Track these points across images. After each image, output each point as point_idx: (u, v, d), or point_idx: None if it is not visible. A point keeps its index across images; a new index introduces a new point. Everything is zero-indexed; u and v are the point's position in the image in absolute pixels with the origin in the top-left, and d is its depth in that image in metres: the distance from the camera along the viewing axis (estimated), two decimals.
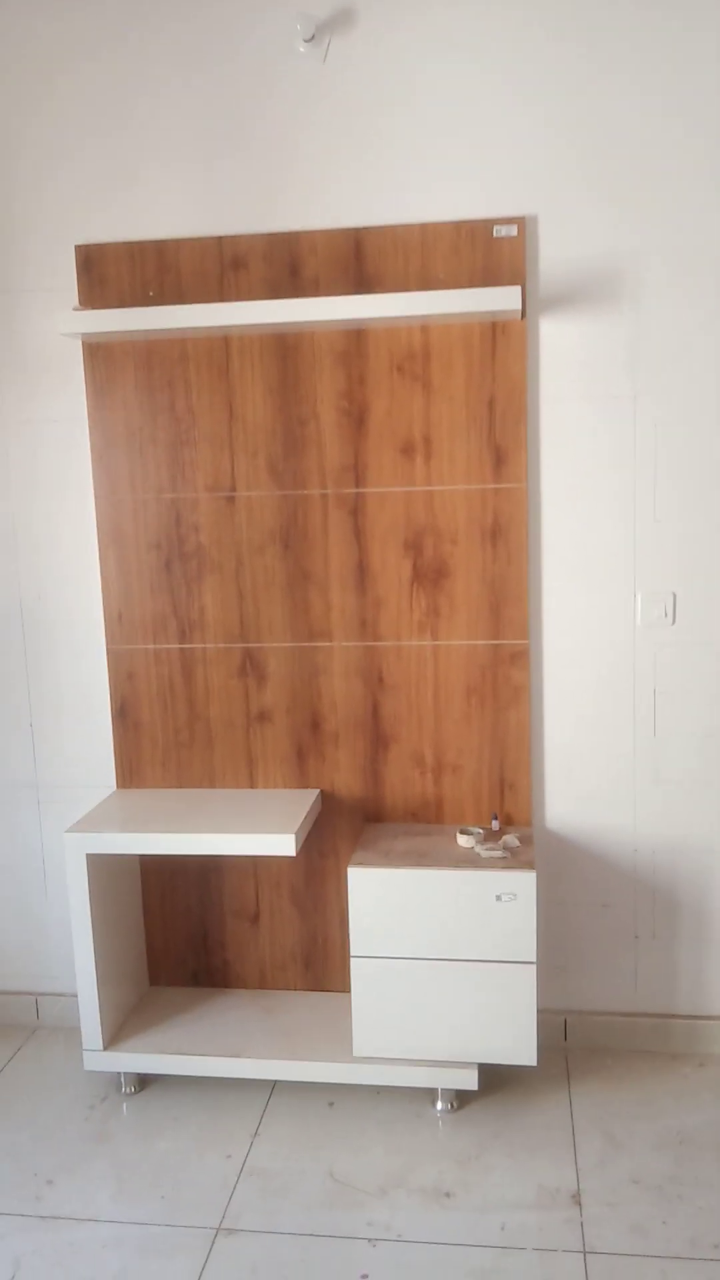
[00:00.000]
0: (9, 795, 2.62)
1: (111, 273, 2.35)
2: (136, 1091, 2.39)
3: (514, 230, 2.21)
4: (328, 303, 2.12)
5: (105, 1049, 2.34)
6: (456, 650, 2.37)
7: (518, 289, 2.05)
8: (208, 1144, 2.20)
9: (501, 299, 2.06)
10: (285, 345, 2.31)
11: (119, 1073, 2.37)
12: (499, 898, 2.14)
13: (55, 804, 2.61)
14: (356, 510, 2.35)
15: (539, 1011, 2.50)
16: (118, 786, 2.55)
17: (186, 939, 2.59)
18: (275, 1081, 2.37)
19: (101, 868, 2.34)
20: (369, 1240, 1.91)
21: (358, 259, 2.27)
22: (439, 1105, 2.28)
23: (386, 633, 2.38)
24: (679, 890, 2.42)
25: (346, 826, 2.48)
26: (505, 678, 2.36)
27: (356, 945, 2.21)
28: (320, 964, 2.56)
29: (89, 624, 2.51)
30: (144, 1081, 2.41)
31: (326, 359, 2.31)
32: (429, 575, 2.35)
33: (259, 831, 2.19)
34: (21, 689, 2.56)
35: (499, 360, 2.25)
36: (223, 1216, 1.98)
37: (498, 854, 2.21)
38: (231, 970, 2.59)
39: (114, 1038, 2.38)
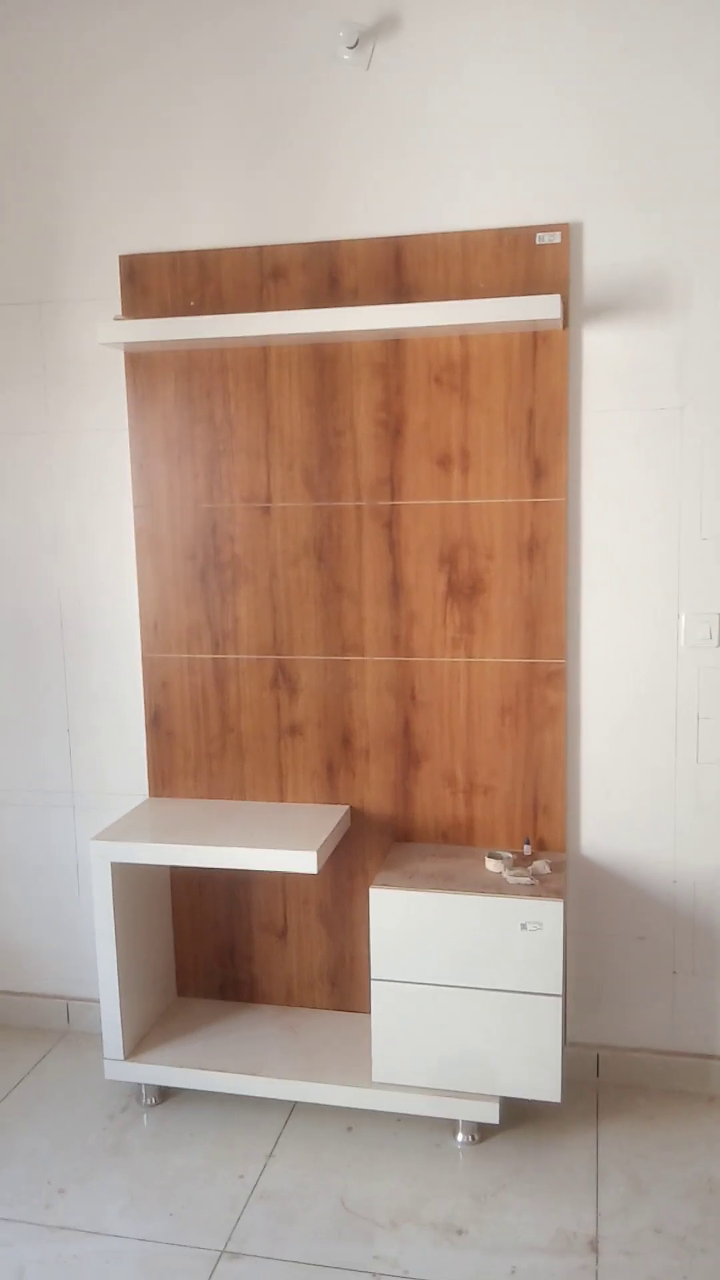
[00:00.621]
0: (46, 800, 2.64)
1: (154, 283, 2.36)
2: (157, 1103, 2.38)
3: (557, 237, 2.15)
4: (366, 312, 2.08)
5: (126, 1059, 2.33)
6: (491, 668, 2.30)
7: (557, 298, 1.99)
8: (222, 1162, 2.17)
9: (541, 308, 2.00)
10: (323, 356, 2.29)
11: (140, 1083, 2.36)
12: (524, 926, 2.07)
13: (90, 810, 2.62)
14: (391, 523, 2.31)
15: (570, 1045, 2.41)
16: (150, 795, 2.55)
17: (215, 951, 2.58)
18: (295, 1101, 2.32)
19: (130, 876, 2.34)
20: (374, 1275, 1.86)
21: (397, 268, 2.23)
22: (459, 1137, 2.21)
23: (419, 648, 2.33)
24: None
25: (375, 845, 2.43)
26: (540, 697, 2.29)
27: (377, 968, 2.16)
28: (346, 983, 2.51)
29: (125, 632, 2.52)
30: (165, 1093, 2.40)
31: (364, 370, 2.27)
32: (464, 590, 2.29)
33: (282, 847, 2.16)
34: (60, 694, 2.59)
35: (540, 370, 2.19)
36: (228, 1239, 1.95)
37: (525, 880, 2.14)
38: (258, 985, 2.57)
39: (136, 1047, 2.38)
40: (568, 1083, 2.40)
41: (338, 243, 2.25)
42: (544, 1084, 2.12)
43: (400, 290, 2.24)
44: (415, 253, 2.22)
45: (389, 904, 2.13)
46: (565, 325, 2.16)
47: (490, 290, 2.18)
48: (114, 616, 2.52)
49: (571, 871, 2.36)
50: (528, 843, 2.30)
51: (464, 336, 2.21)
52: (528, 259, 2.17)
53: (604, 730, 2.30)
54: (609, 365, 2.19)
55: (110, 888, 2.26)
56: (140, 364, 2.39)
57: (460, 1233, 1.96)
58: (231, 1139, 2.25)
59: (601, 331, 2.18)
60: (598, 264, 2.16)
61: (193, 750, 2.50)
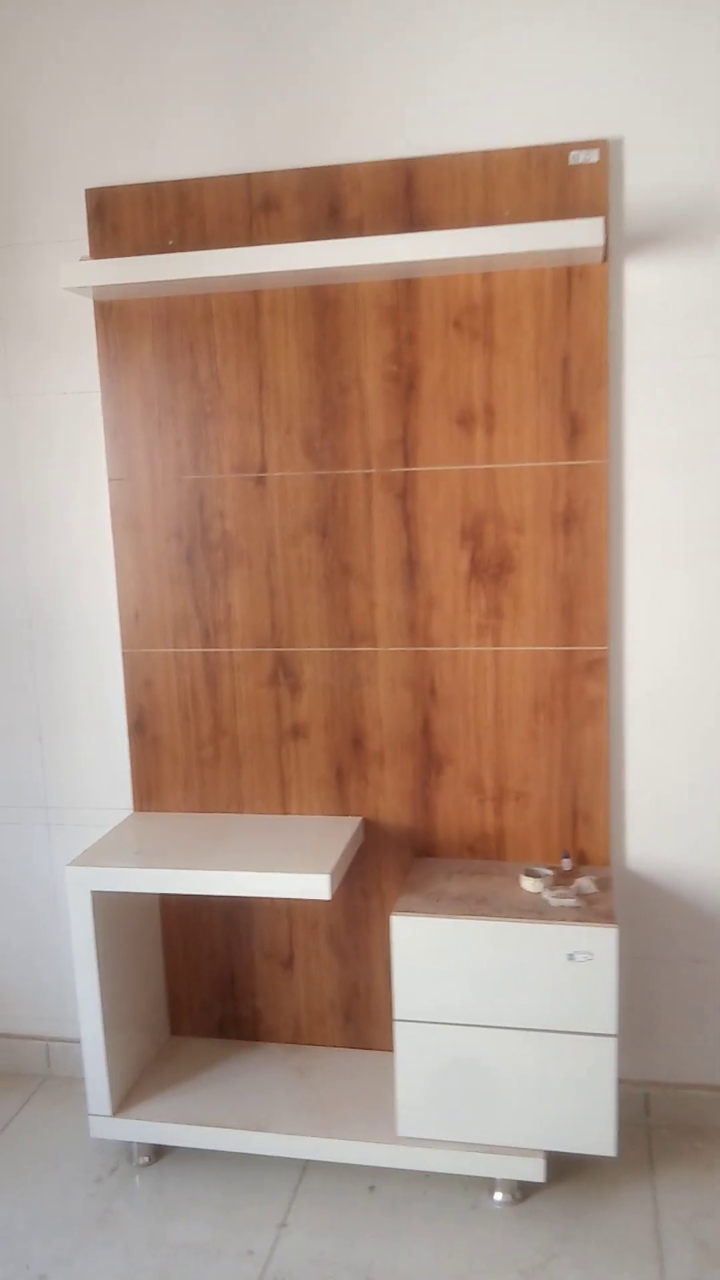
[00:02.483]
0: (17, 816, 2.33)
1: (126, 220, 2.04)
2: (151, 1162, 2.08)
3: (594, 156, 1.85)
4: (374, 243, 1.77)
5: (114, 1114, 2.03)
6: (522, 657, 2.01)
7: (600, 221, 1.69)
8: (228, 1233, 1.88)
9: (581, 233, 1.70)
10: (324, 300, 1.98)
11: (131, 1142, 2.07)
12: (572, 957, 1.78)
13: (67, 827, 2.31)
14: (405, 493, 2.01)
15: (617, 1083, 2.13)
16: (134, 809, 2.24)
17: (212, 984, 2.28)
18: (309, 1160, 2.03)
19: (113, 902, 2.04)
20: None
21: (408, 196, 1.92)
22: (498, 1196, 1.93)
23: (440, 637, 2.04)
24: None
25: (393, 861, 2.13)
26: (579, 690, 2.00)
27: (401, 1007, 1.87)
28: (362, 1018, 2.22)
29: (103, 624, 2.21)
30: (160, 1151, 2.11)
31: (371, 315, 1.97)
32: (490, 569, 2.00)
33: (289, 870, 1.86)
34: (30, 696, 2.28)
35: (575, 312, 1.89)
36: None
37: (570, 903, 1.85)
38: (262, 1021, 2.27)
39: (126, 1099, 2.08)
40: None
41: (338, 167, 1.94)
42: (597, 1136, 1.84)
43: (412, 221, 1.93)
44: (429, 177, 1.91)
45: (414, 933, 1.84)
46: (605, 258, 1.86)
47: (517, 218, 1.88)
48: (89, 606, 2.21)
49: (617, 888, 2.08)
50: (566, 856, 2.01)
51: (487, 273, 1.91)
52: (560, 182, 1.87)
53: (652, 727, 2.01)
54: (655, 305, 1.89)
55: (91, 919, 1.96)
56: (113, 315, 2.07)
57: None
58: (238, 1204, 1.96)
59: (647, 266, 1.88)
60: (641, 186, 1.86)
61: (182, 757, 2.20)
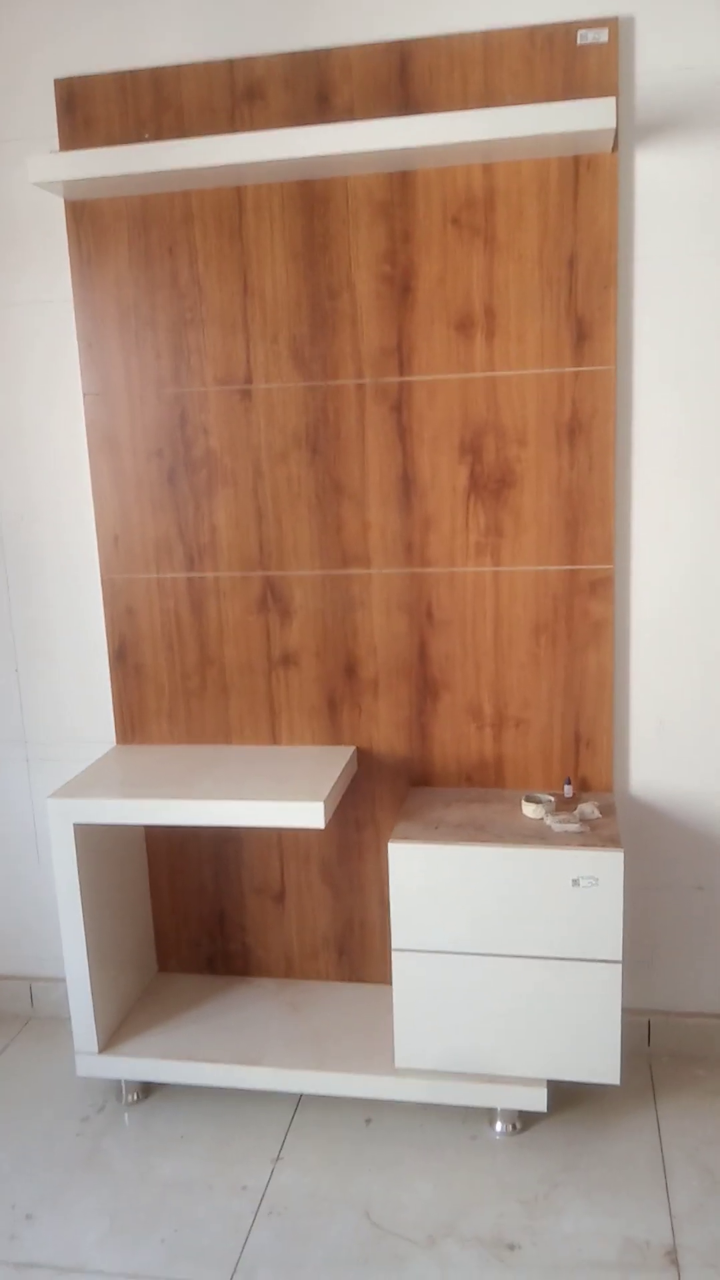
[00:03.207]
0: None
1: (99, 112, 1.90)
2: (139, 1100, 2.03)
3: (603, 36, 1.72)
4: (366, 128, 1.65)
5: (101, 1052, 1.97)
6: (523, 578, 1.92)
7: (611, 101, 1.57)
8: (220, 1170, 1.83)
9: (592, 115, 1.58)
10: (312, 196, 1.86)
11: (119, 1079, 2.01)
12: (576, 882, 1.72)
13: (47, 762, 2.22)
14: (400, 404, 1.90)
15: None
16: (117, 742, 2.15)
17: (200, 920, 2.21)
18: (303, 1093, 1.98)
19: (97, 837, 1.96)
20: None
21: (402, 81, 1.79)
22: (498, 1127, 1.89)
23: (437, 557, 1.95)
24: None
25: (388, 792, 2.06)
26: (583, 611, 1.92)
27: (399, 936, 1.80)
28: (357, 951, 2.16)
29: (81, 549, 2.11)
30: (149, 1088, 2.05)
31: (363, 211, 1.85)
32: (490, 485, 1.90)
33: (280, 799, 1.78)
34: (4, 626, 2.17)
35: (583, 206, 1.77)
36: (234, 1269, 1.61)
37: (573, 827, 1.79)
38: (253, 956, 2.21)
39: (112, 1037, 2.02)
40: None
41: (328, 51, 1.81)
42: (600, 1064, 1.79)
43: (407, 108, 1.80)
44: (425, 60, 1.78)
45: (412, 860, 1.77)
46: (614, 147, 1.74)
47: (521, 103, 1.75)
48: (66, 531, 2.10)
49: (620, 815, 2.01)
50: (569, 783, 1.94)
51: (488, 164, 1.79)
52: (566, 64, 1.74)
53: (658, 649, 1.94)
54: (669, 199, 1.78)
55: (74, 852, 1.87)
56: (85, 216, 1.94)
57: (511, 1248, 1.63)
58: (230, 1140, 1.91)
59: (659, 156, 1.76)
60: (654, 69, 1.74)
61: (167, 688, 2.10)
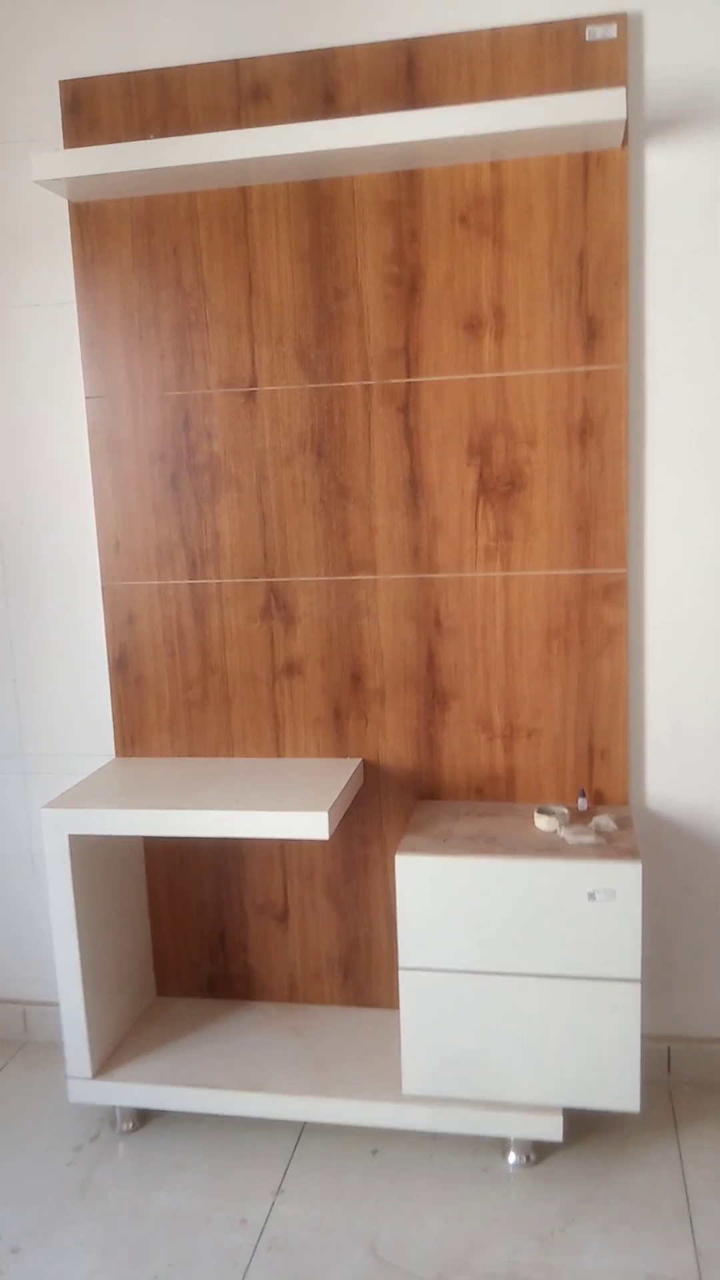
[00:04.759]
0: None
1: (104, 113, 1.89)
2: (135, 1128, 1.94)
3: (612, 31, 1.70)
4: (373, 122, 1.62)
5: (95, 1077, 1.88)
6: (534, 582, 1.87)
7: (621, 91, 1.54)
8: (218, 1203, 1.74)
9: (600, 105, 1.55)
10: (318, 195, 1.83)
11: (113, 1105, 1.92)
12: (592, 896, 1.65)
13: (45, 775, 2.16)
14: (407, 406, 1.86)
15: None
16: (117, 754, 2.09)
17: (201, 940, 2.13)
18: (306, 1121, 1.89)
19: (95, 852, 1.89)
20: None
21: (409, 79, 1.78)
22: (511, 1158, 1.79)
23: (445, 562, 1.89)
24: None
25: (395, 805, 1.99)
26: (597, 617, 1.86)
27: (406, 955, 1.72)
28: (363, 974, 2.08)
29: (81, 555, 2.06)
30: (145, 1116, 1.96)
31: (370, 211, 1.82)
32: (499, 487, 1.86)
33: (282, 809, 1.72)
34: (2, 635, 2.12)
35: (593, 203, 1.75)
36: None
37: (589, 840, 1.71)
38: (255, 979, 2.13)
39: (108, 1062, 1.93)
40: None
41: (334, 50, 1.79)
42: (619, 1090, 1.70)
43: (414, 107, 1.78)
44: (432, 59, 1.76)
45: (420, 874, 1.70)
46: (624, 142, 1.72)
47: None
48: (66, 536, 2.06)
49: (636, 828, 1.94)
50: (583, 795, 1.87)
51: (496, 162, 1.76)
52: (575, 61, 1.72)
53: (674, 657, 1.88)
54: (679, 195, 1.75)
55: (69, 866, 1.81)
56: (89, 217, 1.92)
57: None
58: (229, 1171, 1.82)
59: (670, 152, 1.74)
60: (663, 64, 1.72)
61: (168, 698, 2.05)
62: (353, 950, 2.07)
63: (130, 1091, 1.87)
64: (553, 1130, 1.73)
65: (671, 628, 1.87)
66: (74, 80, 1.89)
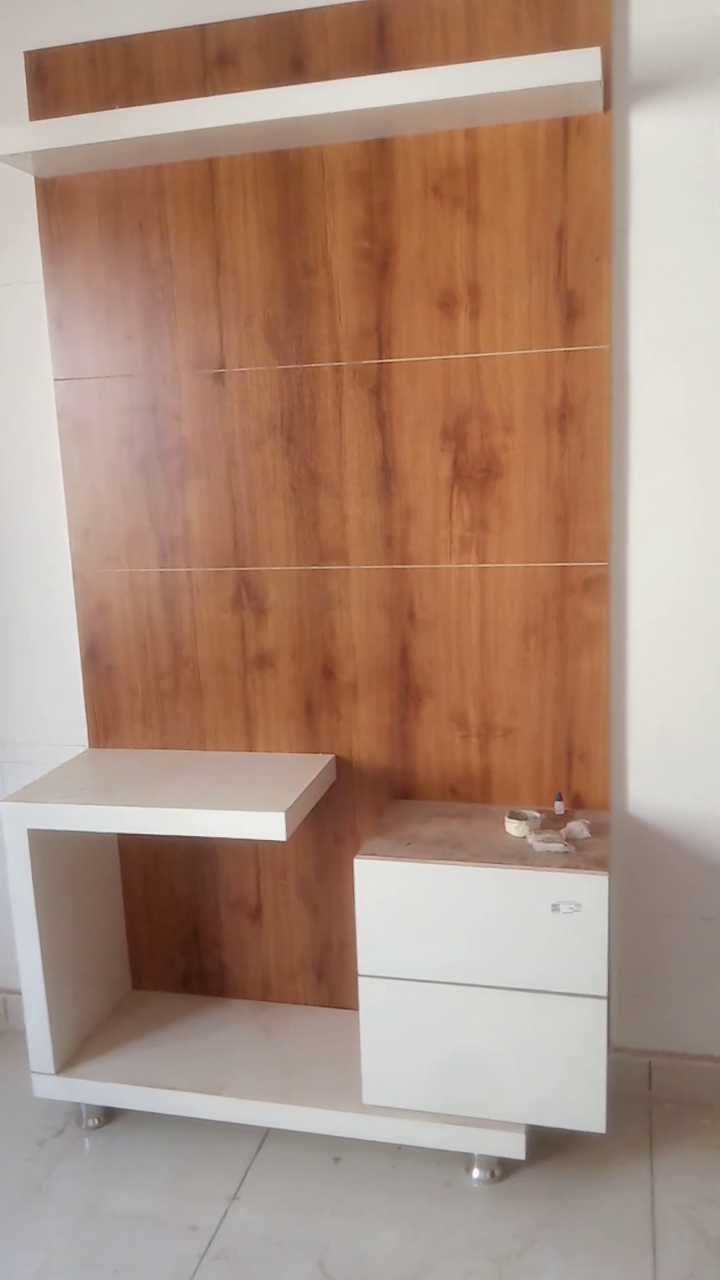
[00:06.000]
0: None
1: (69, 84, 1.82)
2: (100, 1125, 1.91)
3: None
4: (343, 86, 1.53)
5: (59, 1073, 1.86)
6: (510, 575, 1.78)
7: (596, 51, 1.43)
8: (173, 1206, 1.71)
9: (574, 66, 1.44)
10: (286, 167, 1.75)
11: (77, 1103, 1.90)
12: (556, 907, 1.57)
13: (19, 765, 2.13)
14: (380, 388, 1.78)
15: (615, 1051, 1.92)
16: (89, 746, 2.06)
17: (175, 936, 2.10)
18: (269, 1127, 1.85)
19: (63, 846, 1.86)
20: None
21: (381, 41, 1.68)
22: (475, 1173, 1.73)
23: (419, 553, 1.81)
24: None
25: (368, 804, 1.93)
26: (576, 611, 1.76)
27: (366, 961, 1.66)
28: (335, 974, 2.03)
29: (51, 542, 2.02)
30: (111, 1113, 1.94)
31: (340, 183, 1.73)
32: (475, 475, 1.77)
33: (242, 808, 1.66)
34: None
35: (573, 172, 1.64)
36: None
37: (556, 847, 1.63)
38: (229, 976, 2.09)
39: (74, 1056, 1.91)
40: (612, 1098, 1.91)
41: (302, 13, 1.70)
42: (584, 1110, 1.63)
43: (385, 71, 1.68)
44: (404, 18, 1.66)
45: (379, 878, 1.63)
46: (606, 107, 1.60)
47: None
48: (35, 523, 2.02)
49: (616, 835, 1.85)
50: (560, 798, 1.79)
51: (471, 129, 1.66)
52: (554, 19, 1.61)
53: (658, 654, 1.78)
54: (666, 163, 1.63)
55: (28, 860, 1.78)
56: (55, 194, 1.86)
57: None
58: (188, 1173, 1.78)
59: (655, 117, 1.62)
60: (650, 22, 1.60)
61: (140, 689, 2.00)
62: (325, 951, 2.02)
63: (91, 1089, 1.84)
64: (515, 1148, 1.66)
65: (656, 624, 1.77)
66: (39, 51, 1.83)
